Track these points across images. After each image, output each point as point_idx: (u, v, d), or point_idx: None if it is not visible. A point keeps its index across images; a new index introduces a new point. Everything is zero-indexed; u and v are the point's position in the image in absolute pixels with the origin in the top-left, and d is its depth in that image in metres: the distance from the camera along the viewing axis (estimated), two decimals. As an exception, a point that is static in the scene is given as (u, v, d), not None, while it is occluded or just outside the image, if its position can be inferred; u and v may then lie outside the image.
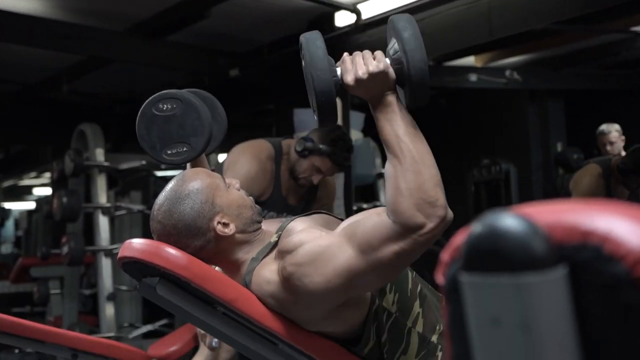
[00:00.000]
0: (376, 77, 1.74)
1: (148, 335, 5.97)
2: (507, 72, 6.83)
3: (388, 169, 1.74)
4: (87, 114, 7.05)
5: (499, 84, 6.89)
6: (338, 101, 5.38)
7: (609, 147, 5.65)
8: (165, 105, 2.10)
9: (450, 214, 1.69)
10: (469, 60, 6.81)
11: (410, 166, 1.69)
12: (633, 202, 4.32)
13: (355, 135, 5.57)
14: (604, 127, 5.74)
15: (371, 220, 1.73)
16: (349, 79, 1.76)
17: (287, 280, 1.81)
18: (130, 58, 5.99)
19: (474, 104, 8.22)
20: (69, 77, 6.77)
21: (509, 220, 0.70)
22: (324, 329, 1.93)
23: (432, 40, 4.99)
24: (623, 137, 5.71)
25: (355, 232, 1.74)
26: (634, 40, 6.60)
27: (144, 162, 5.79)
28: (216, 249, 1.94)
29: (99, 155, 5.65)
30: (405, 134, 1.73)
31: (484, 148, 7.84)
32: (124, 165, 5.86)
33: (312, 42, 1.77)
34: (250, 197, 2.05)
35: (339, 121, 5.52)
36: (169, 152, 2.09)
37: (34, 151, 10.31)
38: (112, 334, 5.30)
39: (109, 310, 5.45)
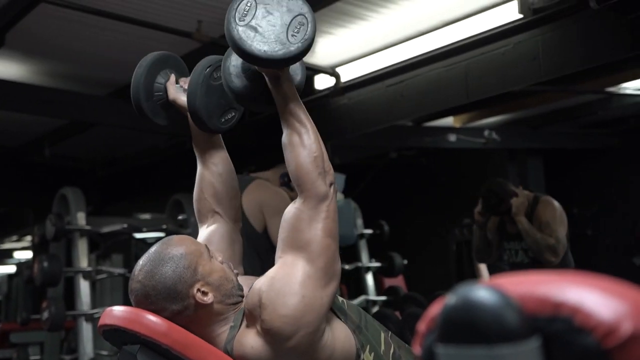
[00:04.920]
0: None
1: (129, 402, 5.88)
2: (486, 132, 6.91)
3: (291, 139, 1.90)
4: (68, 177, 7.05)
5: (478, 144, 6.96)
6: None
7: None
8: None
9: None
10: (448, 121, 6.88)
11: (314, 136, 1.87)
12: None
13: (338, 196, 5.59)
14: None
15: (288, 220, 1.88)
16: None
17: (268, 333, 1.80)
18: (112, 122, 6.01)
19: (454, 163, 8.29)
20: (50, 141, 6.79)
21: (482, 292, 0.71)
22: None
23: (411, 101, 5.05)
24: None
25: (287, 243, 1.86)
26: (609, 100, 6.71)
27: (125, 226, 5.77)
28: (193, 317, 1.92)
29: (81, 219, 5.63)
30: (303, 107, 1.92)
31: (465, 207, 7.87)
32: (105, 229, 5.83)
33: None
34: (235, 272, 2.04)
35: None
36: (222, 119, 2.21)
37: (15, 214, 10.25)
38: (92, 401, 5.22)
39: (89, 375, 5.37)
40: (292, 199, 4.13)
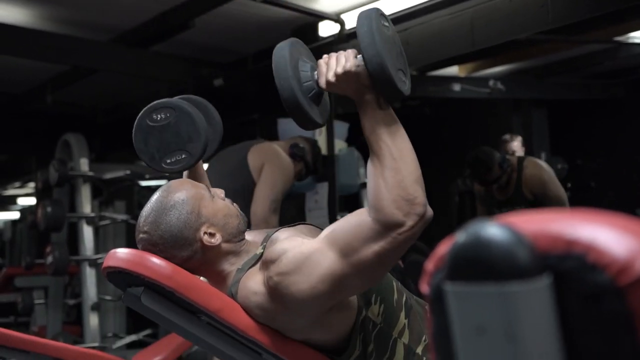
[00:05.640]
0: (345, 77, 1.75)
1: (132, 346, 5.94)
2: (491, 82, 6.86)
3: (369, 167, 1.76)
4: (70, 124, 7.03)
5: (482, 94, 6.91)
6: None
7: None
8: (158, 115, 2.14)
9: (429, 211, 1.71)
10: (453, 70, 6.83)
11: (389, 164, 1.70)
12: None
13: (340, 145, 5.58)
14: (507, 135, 6.03)
15: (352, 222, 1.74)
16: (322, 81, 1.78)
17: (273, 290, 1.81)
18: (114, 68, 5.97)
19: (458, 113, 8.25)
20: (53, 87, 6.74)
21: (494, 229, 0.70)
22: (311, 337, 1.93)
23: (415, 50, 5.00)
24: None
25: (336, 236, 1.75)
26: (617, 50, 6.64)
27: (128, 172, 5.77)
28: (202, 260, 1.94)
29: (83, 165, 5.63)
30: (384, 131, 1.74)
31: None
32: (108, 175, 5.84)
33: (278, 52, 1.82)
34: (236, 206, 2.05)
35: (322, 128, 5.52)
36: (168, 161, 2.13)
37: (18, 161, 10.26)
38: (96, 344, 5.27)
39: (93, 320, 5.41)
40: (297, 170, 4.27)
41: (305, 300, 1.78)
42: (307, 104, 1.80)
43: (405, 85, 1.80)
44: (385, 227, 1.67)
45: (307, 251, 1.77)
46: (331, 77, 1.76)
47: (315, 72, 1.81)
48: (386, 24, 1.80)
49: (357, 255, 1.71)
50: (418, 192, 1.69)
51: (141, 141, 2.15)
